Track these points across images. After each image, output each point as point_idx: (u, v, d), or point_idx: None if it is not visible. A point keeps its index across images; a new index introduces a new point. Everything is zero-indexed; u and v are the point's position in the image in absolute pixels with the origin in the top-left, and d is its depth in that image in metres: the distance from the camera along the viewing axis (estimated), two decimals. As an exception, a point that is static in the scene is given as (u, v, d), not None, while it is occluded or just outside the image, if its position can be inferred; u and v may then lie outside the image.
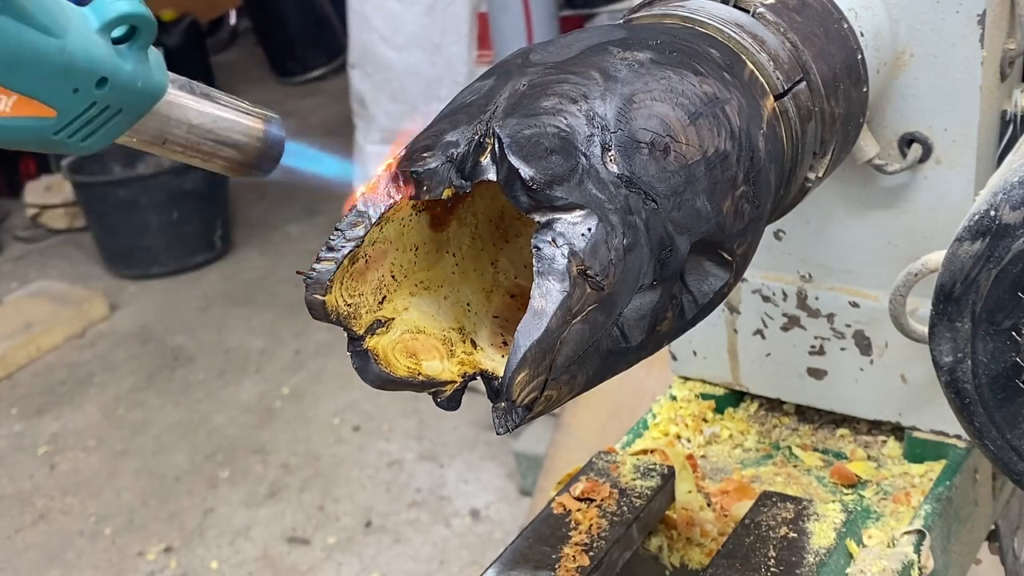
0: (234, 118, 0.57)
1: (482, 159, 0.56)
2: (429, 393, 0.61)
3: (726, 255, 0.63)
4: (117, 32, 0.50)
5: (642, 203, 0.57)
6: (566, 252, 0.53)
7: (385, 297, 0.62)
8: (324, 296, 0.58)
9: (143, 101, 0.52)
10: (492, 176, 0.55)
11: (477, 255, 0.66)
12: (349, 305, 0.59)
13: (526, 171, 0.54)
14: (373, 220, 0.58)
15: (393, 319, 0.62)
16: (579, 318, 0.54)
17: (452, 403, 0.60)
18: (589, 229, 0.54)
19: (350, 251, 0.58)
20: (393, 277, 0.62)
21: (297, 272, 0.59)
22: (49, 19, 0.47)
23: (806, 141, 0.72)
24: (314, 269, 0.58)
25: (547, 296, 0.53)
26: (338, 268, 0.58)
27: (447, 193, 0.57)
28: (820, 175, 0.75)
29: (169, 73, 0.54)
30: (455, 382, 0.61)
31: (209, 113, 0.56)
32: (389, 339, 0.61)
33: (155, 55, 0.53)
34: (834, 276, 0.94)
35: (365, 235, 0.58)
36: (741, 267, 0.65)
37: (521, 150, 0.55)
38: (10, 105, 0.47)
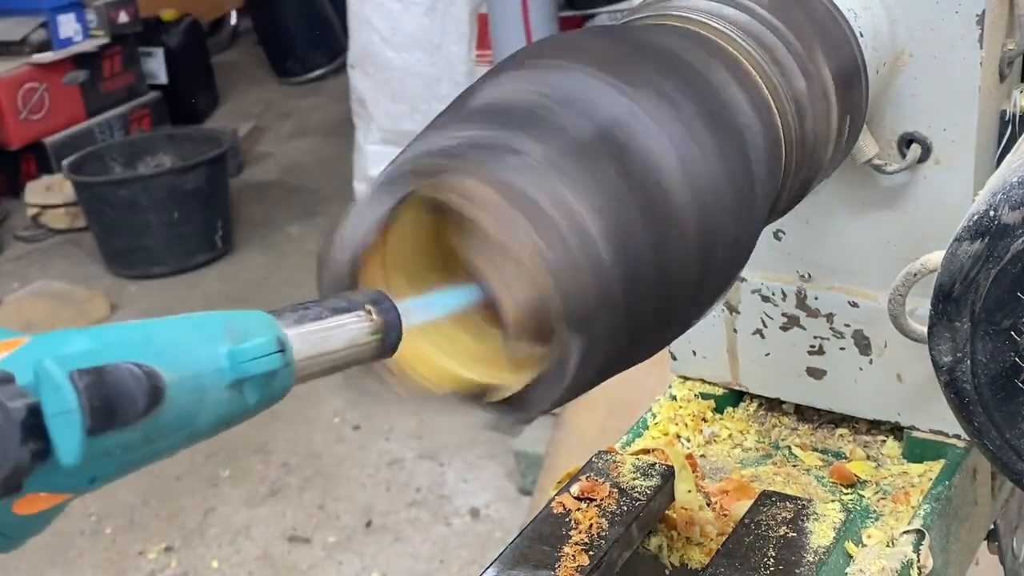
0: (351, 346, 0.54)
1: None
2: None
3: None
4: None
5: None
6: None
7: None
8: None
9: (259, 411, 0.50)
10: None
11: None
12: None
13: None
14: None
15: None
16: None
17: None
18: None
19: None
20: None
21: None
22: (184, 418, 0.45)
23: (805, 148, 0.72)
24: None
25: None
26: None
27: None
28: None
29: (282, 323, 0.51)
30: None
31: (328, 357, 0.53)
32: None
33: (286, 368, 0.50)
34: (834, 276, 0.95)
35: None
36: None
37: None
38: None
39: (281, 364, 0.49)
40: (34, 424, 0.40)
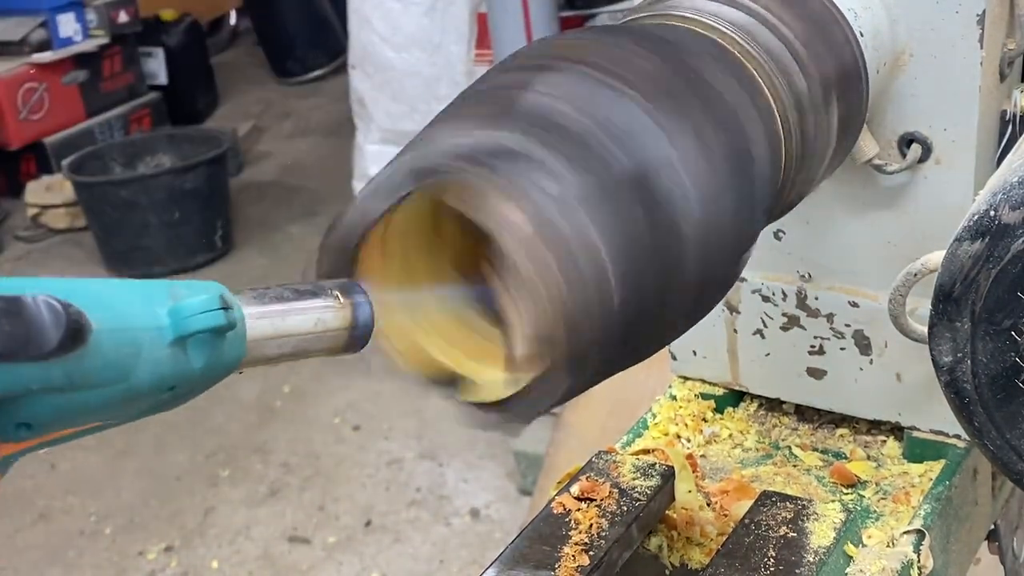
0: (314, 330, 0.53)
1: None
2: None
3: None
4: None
5: None
6: None
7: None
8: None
9: (215, 381, 0.50)
10: None
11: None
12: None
13: None
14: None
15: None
16: None
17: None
18: None
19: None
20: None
21: None
22: (115, 370, 0.44)
23: (805, 148, 0.72)
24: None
25: None
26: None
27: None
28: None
29: (240, 301, 0.50)
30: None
31: (288, 340, 0.52)
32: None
33: (236, 331, 0.49)
34: (834, 276, 0.95)
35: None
36: None
37: None
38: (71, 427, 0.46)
39: (224, 321, 0.48)
40: None
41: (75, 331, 0.42)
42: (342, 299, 0.54)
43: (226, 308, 0.48)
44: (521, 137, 0.57)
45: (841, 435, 1.02)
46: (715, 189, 0.61)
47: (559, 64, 0.61)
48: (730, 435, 1.04)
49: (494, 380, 0.60)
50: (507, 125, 0.58)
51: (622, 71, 0.61)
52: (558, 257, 0.54)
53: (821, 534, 0.82)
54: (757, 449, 1.02)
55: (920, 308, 0.80)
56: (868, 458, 0.98)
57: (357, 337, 0.55)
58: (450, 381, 0.62)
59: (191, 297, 0.48)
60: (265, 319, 0.51)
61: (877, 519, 0.91)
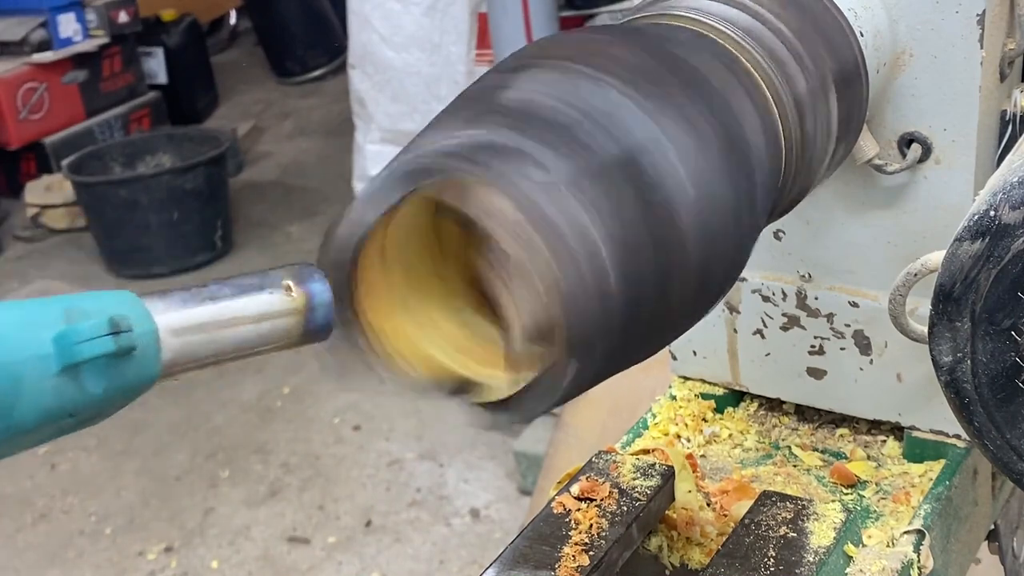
0: (257, 326, 0.50)
1: None
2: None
3: None
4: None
5: None
6: None
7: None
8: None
9: (126, 401, 0.45)
10: None
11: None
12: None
13: None
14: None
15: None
16: None
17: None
18: None
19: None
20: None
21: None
22: None
23: (805, 148, 0.72)
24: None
25: None
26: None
27: None
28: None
29: (163, 306, 0.46)
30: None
31: (222, 339, 0.49)
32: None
33: (144, 349, 0.44)
34: (834, 276, 0.95)
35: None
36: None
37: None
38: None
39: (113, 348, 0.43)
40: None
41: None
42: (294, 288, 0.52)
43: (117, 332, 0.44)
44: (505, 131, 0.56)
45: (841, 435, 1.01)
46: (708, 170, 0.60)
47: (538, 62, 0.61)
48: (730, 435, 1.04)
49: (501, 382, 0.60)
50: (489, 122, 0.57)
51: (602, 62, 0.60)
52: (547, 238, 0.53)
53: (821, 534, 0.81)
54: (757, 449, 1.02)
55: (920, 308, 0.80)
56: (868, 458, 0.98)
57: (314, 323, 0.52)
58: (457, 387, 0.62)
59: (81, 321, 0.43)
60: (193, 322, 0.48)
61: (877, 519, 0.91)
